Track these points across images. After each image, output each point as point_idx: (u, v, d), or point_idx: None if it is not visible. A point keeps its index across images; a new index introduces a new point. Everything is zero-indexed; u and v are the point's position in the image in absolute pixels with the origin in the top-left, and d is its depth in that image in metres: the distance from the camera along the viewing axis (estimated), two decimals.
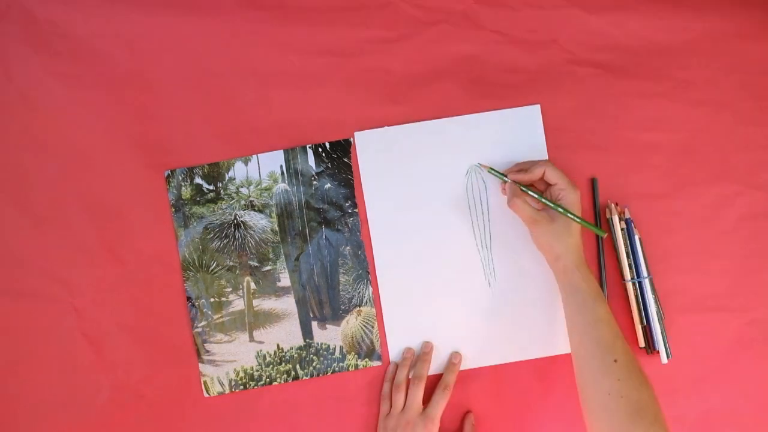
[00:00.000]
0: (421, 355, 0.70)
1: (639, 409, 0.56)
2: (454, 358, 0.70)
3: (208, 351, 0.71)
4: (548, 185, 0.67)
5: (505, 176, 0.68)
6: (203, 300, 0.71)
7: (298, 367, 0.71)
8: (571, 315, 0.63)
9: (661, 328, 0.69)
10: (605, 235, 0.68)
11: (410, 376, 0.69)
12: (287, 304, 0.71)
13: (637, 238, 0.70)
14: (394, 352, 0.71)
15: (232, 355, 0.71)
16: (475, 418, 0.70)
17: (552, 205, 0.65)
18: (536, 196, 0.66)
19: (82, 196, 0.71)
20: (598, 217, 0.71)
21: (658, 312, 0.69)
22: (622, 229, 0.70)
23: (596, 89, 0.72)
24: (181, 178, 0.71)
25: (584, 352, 0.61)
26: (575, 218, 0.64)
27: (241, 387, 0.70)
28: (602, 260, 0.71)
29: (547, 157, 0.71)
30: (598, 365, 0.60)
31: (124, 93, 0.71)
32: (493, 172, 0.69)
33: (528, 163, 0.68)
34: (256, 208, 0.72)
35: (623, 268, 0.70)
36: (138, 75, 0.71)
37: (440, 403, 0.67)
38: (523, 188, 0.67)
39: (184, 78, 0.71)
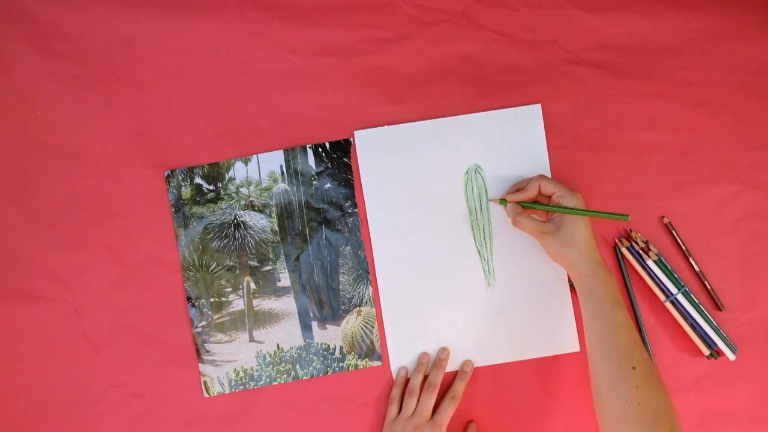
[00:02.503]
0: (437, 361, 0.69)
1: (657, 417, 0.56)
2: (465, 367, 0.69)
3: (208, 351, 0.71)
4: (548, 197, 0.66)
5: (504, 200, 0.68)
6: (203, 300, 0.71)
7: (298, 367, 0.71)
8: (587, 320, 0.62)
9: (715, 327, 0.69)
10: (629, 219, 0.65)
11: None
12: (287, 304, 0.71)
13: (659, 259, 0.69)
14: (394, 352, 0.71)
15: (232, 355, 0.71)
16: (475, 417, 0.70)
17: (559, 208, 0.64)
18: (539, 207, 0.66)
19: (82, 196, 0.71)
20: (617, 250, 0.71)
21: (709, 316, 0.69)
22: (639, 254, 0.69)
23: (596, 89, 0.72)
24: (181, 178, 0.71)
25: (601, 357, 0.60)
26: (588, 213, 0.63)
27: (241, 387, 0.70)
28: (629, 284, 0.71)
29: (547, 157, 0.71)
30: (615, 371, 0.59)
31: (124, 93, 0.71)
32: (492, 200, 0.70)
33: (523, 182, 0.69)
34: (256, 208, 0.72)
35: (656, 292, 0.70)
36: (138, 75, 0.71)
37: (448, 411, 0.67)
38: (526, 204, 0.67)
39: (184, 78, 0.71)
